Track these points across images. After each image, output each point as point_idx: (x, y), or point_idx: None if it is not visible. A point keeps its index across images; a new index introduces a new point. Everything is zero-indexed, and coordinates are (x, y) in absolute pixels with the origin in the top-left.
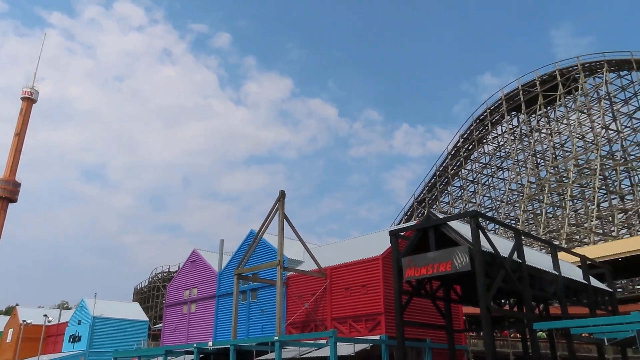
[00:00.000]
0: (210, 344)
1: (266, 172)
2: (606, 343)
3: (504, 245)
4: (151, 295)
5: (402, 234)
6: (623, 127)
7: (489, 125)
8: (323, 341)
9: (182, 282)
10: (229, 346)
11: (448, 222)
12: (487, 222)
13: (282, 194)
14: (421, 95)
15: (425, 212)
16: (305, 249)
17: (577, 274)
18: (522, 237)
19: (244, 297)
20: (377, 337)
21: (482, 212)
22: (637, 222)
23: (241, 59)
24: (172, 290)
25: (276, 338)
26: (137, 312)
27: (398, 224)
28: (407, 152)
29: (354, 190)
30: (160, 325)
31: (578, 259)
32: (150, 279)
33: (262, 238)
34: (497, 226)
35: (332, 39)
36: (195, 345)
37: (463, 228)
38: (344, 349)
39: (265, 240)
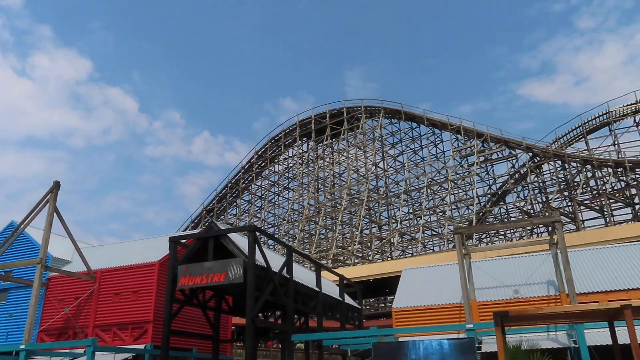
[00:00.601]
0: None
1: (45, 158)
2: (349, 354)
3: (277, 261)
4: None
5: (183, 241)
6: (388, 166)
7: (282, 146)
8: (80, 350)
9: None
10: None
11: (228, 234)
12: (266, 237)
13: (57, 185)
14: (226, 107)
15: (215, 221)
16: (75, 248)
17: (334, 291)
18: (294, 254)
19: None
20: (141, 347)
21: (265, 227)
22: (389, 249)
23: (33, 25)
24: None
25: (22, 347)
26: None
27: (184, 231)
28: (204, 160)
29: (143, 190)
30: None
31: (337, 278)
32: None
33: (24, 231)
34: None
35: (143, 29)
36: None
37: (242, 241)
38: (104, 359)
39: (28, 235)
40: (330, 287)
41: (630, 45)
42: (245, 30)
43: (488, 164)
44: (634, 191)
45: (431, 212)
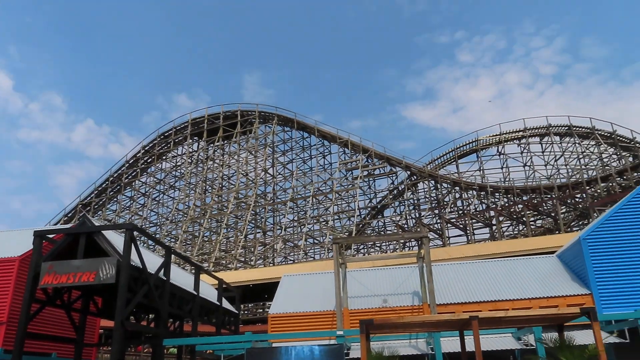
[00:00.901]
0: None
1: None
2: (222, 359)
3: (155, 262)
4: None
5: (51, 236)
6: (277, 173)
7: (172, 143)
8: None
9: None
10: None
11: (102, 231)
12: (146, 237)
13: None
14: (115, 96)
15: (89, 216)
16: None
17: (213, 295)
18: (173, 256)
19: None
20: None
21: (147, 226)
22: (271, 255)
23: None
24: None
25: None
26: None
27: (56, 225)
28: (85, 150)
29: (11, 177)
30: None
31: (217, 281)
32: None
33: None
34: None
35: (26, 1)
36: None
37: (118, 239)
38: None
39: None
40: (208, 291)
41: (500, 82)
42: (144, 18)
43: (370, 179)
44: (492, 213)
45: (315, 221)
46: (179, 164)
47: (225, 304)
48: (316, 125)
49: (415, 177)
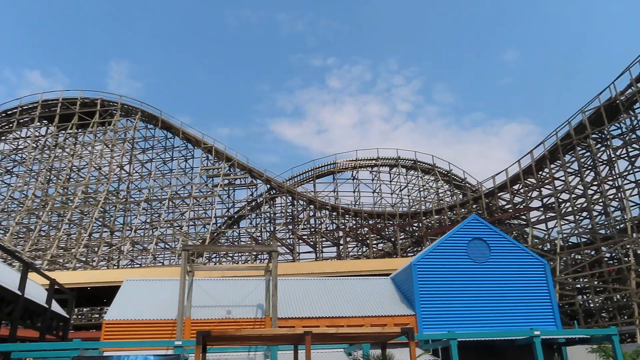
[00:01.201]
0: None
1: None
2: None
3: None
4: None
5: None
6: (134, 171)
7: (15, 124)
8: None
9: None
10: None
11: None
12: None
13: None
14: None
15: None
16: None
17: (41, 297)
18: None
19: None
20: None
21: None
22: (117, 257)
23: None
24: None
25: None
26: None
27: None
28: None
29: None
30: None
31: (49, 282)
32: None
33: None
34: None
35: None
36: None
37: None
38: None
39: None
40: (37, 291)
41: (362, 112)
42: None
43: (230, 188)
44: (341, 234)
45: (168, 225)
46: (20, 147)
47: (56, 307)
48: (182, 126)
49: (274, 191)
